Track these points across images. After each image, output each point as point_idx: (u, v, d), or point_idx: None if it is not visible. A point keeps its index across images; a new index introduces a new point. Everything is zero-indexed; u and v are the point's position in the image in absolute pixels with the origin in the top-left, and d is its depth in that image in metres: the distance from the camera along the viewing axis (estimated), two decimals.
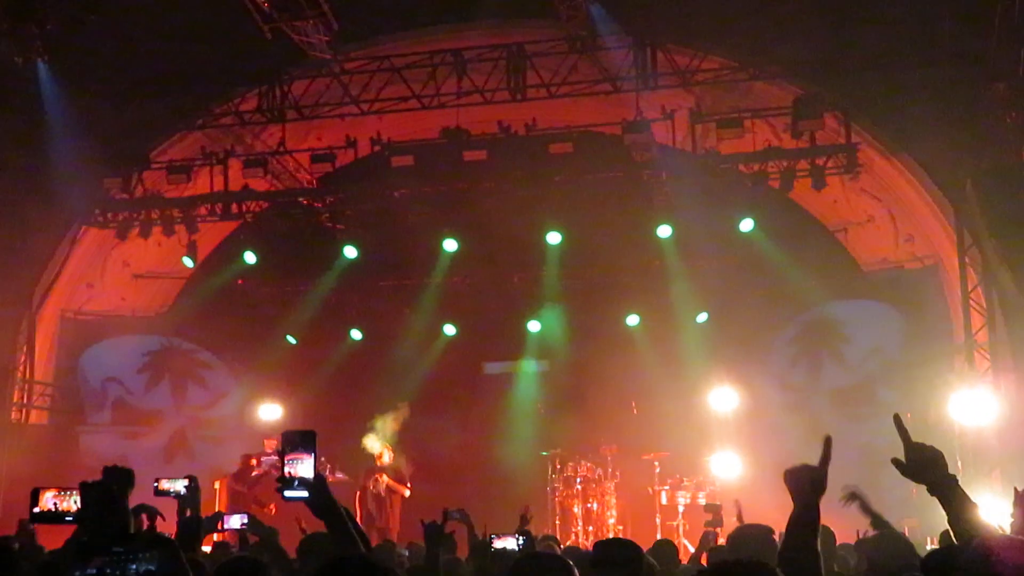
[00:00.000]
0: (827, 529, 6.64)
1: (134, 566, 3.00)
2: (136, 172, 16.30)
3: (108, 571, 2.94)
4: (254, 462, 15.85)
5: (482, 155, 15.23)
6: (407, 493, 15.33)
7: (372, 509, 15.18)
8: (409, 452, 16.38)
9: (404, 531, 15.00)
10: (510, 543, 5.73)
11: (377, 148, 15.87)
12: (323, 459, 15.97)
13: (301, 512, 3.71)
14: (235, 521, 6.60)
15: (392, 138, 15.88)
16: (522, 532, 5.83)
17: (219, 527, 6.45)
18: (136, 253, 18.01)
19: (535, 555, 4.16)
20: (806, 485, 3.12)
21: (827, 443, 3.14)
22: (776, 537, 5.99)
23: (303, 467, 3.32)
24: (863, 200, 16.64)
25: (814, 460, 3.22)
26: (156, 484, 4.91)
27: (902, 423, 3.39)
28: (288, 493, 3.33)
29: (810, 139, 14.82)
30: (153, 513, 4.72)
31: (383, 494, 15.32)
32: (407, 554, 8.05)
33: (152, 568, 3.04)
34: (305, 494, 3.32)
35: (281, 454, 3.32)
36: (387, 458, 15.57)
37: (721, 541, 9.14)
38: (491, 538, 5.83)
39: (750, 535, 5.69)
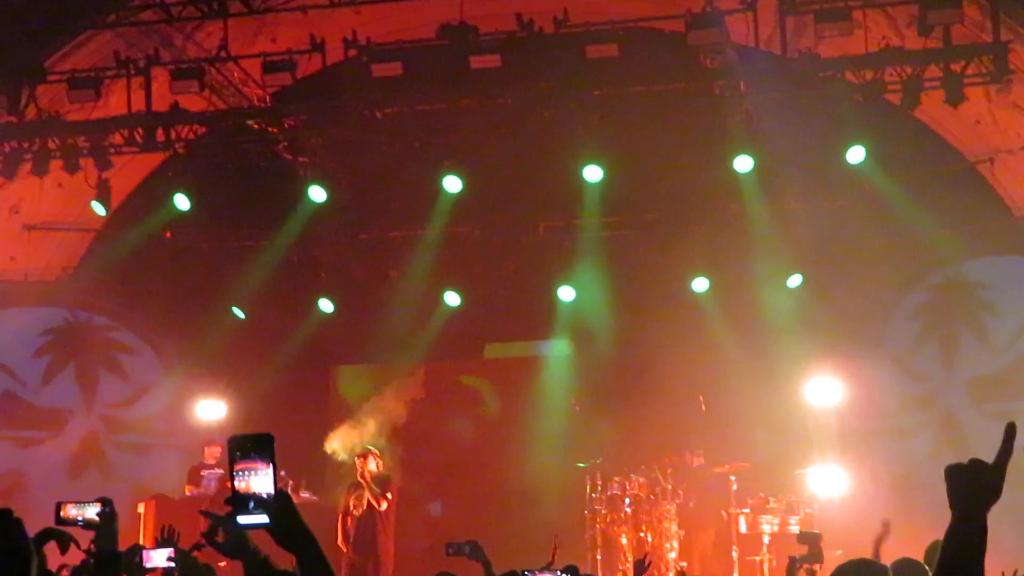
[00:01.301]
0: (917, 563, 6.64)
1: None
2: (27, 87, 16.29)
3: None
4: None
5: (495, 61, 15.15)
6: (383, 506, 15.32)
7: (356, 535, 15.20)
8: (403, 456, 16.48)
9: (401, 564, 15.12)
10: None
11: (353, 53, 15.79)
12: (283, 473, 16.13)
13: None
14: (159, 557, 6.64)
15: (373, 39, 15.81)
16: (568, 569, 5.80)
17: (140, 564, 6.50)
18: (29, 197, 18.04)
19: None
20: (972, 488, 3.10)
21: (1009, 432, 3.12)
22: None
23: (259, 481, 3.26)
24: (1017, 120, 16.51)
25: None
26: (59, 510, 4.91)
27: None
28: (242, 519, 3.27)
29: (943, 36, 14.68)
30: (66, 540, 4.74)
31: (367, 514, 15.31)
32: None
33: None
34: (264, 519, 3.28)
35: (229, 465, 3.28)
36: (373, 466, 15.49)
37: None
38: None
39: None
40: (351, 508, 15.36)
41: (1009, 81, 14.91)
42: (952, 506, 3.14)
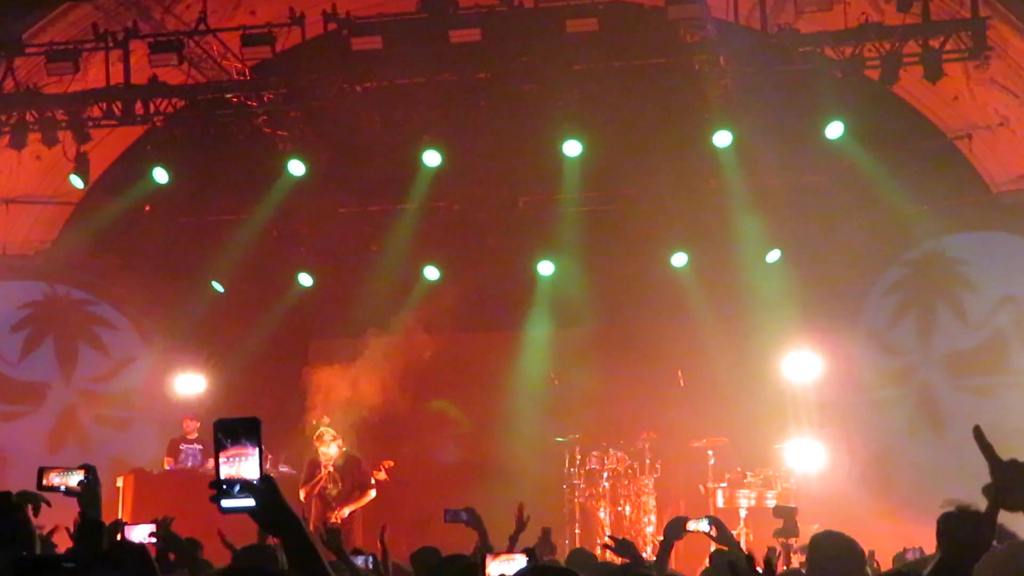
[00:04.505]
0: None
1: None
2: (4, 59, 16.23)
3: None
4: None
5: (475, 35, 15.14)
6: (371, 495, 15.18)
7: (319, 516, 14.95)
8: (379, 439, 16.44)
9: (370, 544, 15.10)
10: (510, 567, 5.55)
11: (332, 26, 15.77)
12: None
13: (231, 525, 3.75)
14: (141, 532, 6.70)
15: (353, 12, 15.78)
16: (529, 551, 5.79)
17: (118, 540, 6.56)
18: (6, 170, 17.97)
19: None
20: (966, 536, 3.16)
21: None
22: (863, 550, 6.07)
23: (247, 466, 3.30)
24: (995, 96, 16.55)
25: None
26: (42, 476, 4.94)
27: (983, 437, 3.41)
28: (227, 503, 3.30)
29: (922, 12, 14.72)
30: (38, 502, 4.78)
31: (330, 495, 15.08)
32: (369, 565, 8.15)
33: None
34: (250, 503, 3.32)
35: (216, 450, 3.32)
36: (334, 449, 15.15)
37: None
38: (482, 557, 5.80)
39: (831, 547, 5.75)
40: (327, 491, 15.03)
41: (987, 57, 14.95)
42: (942, 548, 3.19)
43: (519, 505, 8.75)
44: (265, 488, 3.31)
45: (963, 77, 15.81)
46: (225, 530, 8.02)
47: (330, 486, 15.05)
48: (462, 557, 6.80)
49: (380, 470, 16.57)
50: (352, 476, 15.14)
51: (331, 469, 15.03)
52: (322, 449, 15.05)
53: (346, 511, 14.89)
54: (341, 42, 15.58)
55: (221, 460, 3.29)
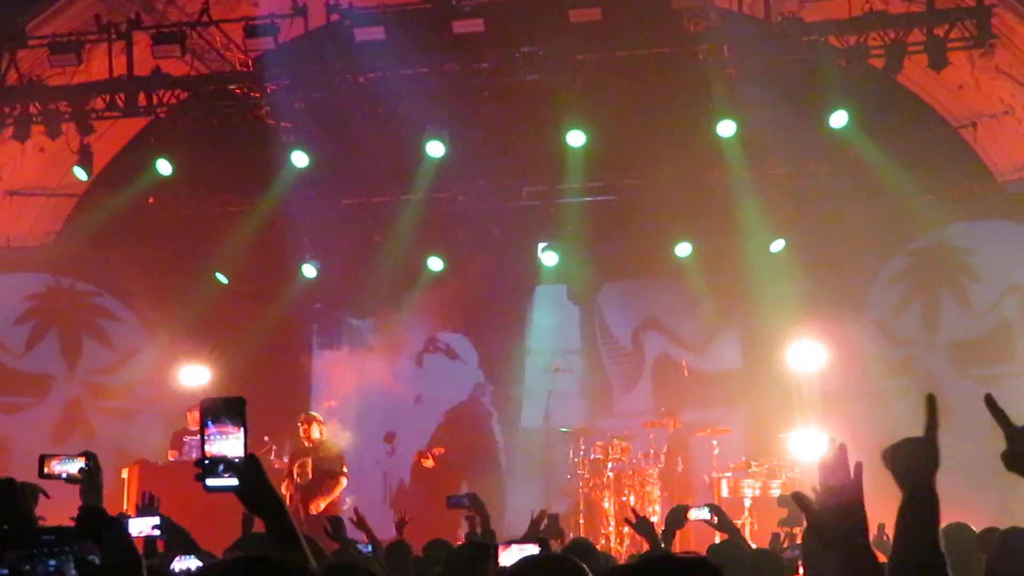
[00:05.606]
0: (964, 526, 6.72)
1: (54, 562, 3.10)
2: (7, 51, 16.24)
3: (27, 568, 3.04)
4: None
5: (478, 25, 15.13)
6: (343, 484, 15.10)
7: (299, 504, 14.91)
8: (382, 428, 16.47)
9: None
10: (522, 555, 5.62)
11: (335, 17, 15.76)
12: (266, 438, 16.17)
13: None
14: (143, 524, 6.70)
15: (355, 3, 15.78)
16: (542, 542, 5.83)
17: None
18: (10, 162, 18.00)
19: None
20: (913, 463, 3.16)
21: (930, 404, 3.18)
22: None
23: (230, 445, 3.35)
24: (1000, 84, 16.54)
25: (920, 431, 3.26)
26: (43, 464, 4.95)
27: (995, 404, 3.42)
28: (211, 482, 3.35)
29: (927, 1, 14.70)
30: (35, 492, 4.78)
31: (311, 484, 15.03)
32: (368, 552, 8.18)
33: (92, 560, 3.12)
34: (234, 482, 3.35)
35: (201, 429, 3.35)
36: (316, 433, 15.20)
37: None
38: (495, 548, 5.84)
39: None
40: (295, 476, 15.10)
41: (992, 45, 14.93)
42: (899, 484, 3.20)
43: (541, 511, 8.83)
44: (248, 467, 3.34)
45: (968, 66, 15.80)
46: (219, 521, 8.04)
47: (297, 471, 15.00)
48: (475, 543, 6.85)
49: (427, 457, 16.67)
50: (322, 464, 15.15)
51: (302, 457, 15.05)
52: (306, 429, 15.13)
53: (322, 504, 14.87)
54: (344, 33, 15.59)
55: (207, 437, 3.35)
